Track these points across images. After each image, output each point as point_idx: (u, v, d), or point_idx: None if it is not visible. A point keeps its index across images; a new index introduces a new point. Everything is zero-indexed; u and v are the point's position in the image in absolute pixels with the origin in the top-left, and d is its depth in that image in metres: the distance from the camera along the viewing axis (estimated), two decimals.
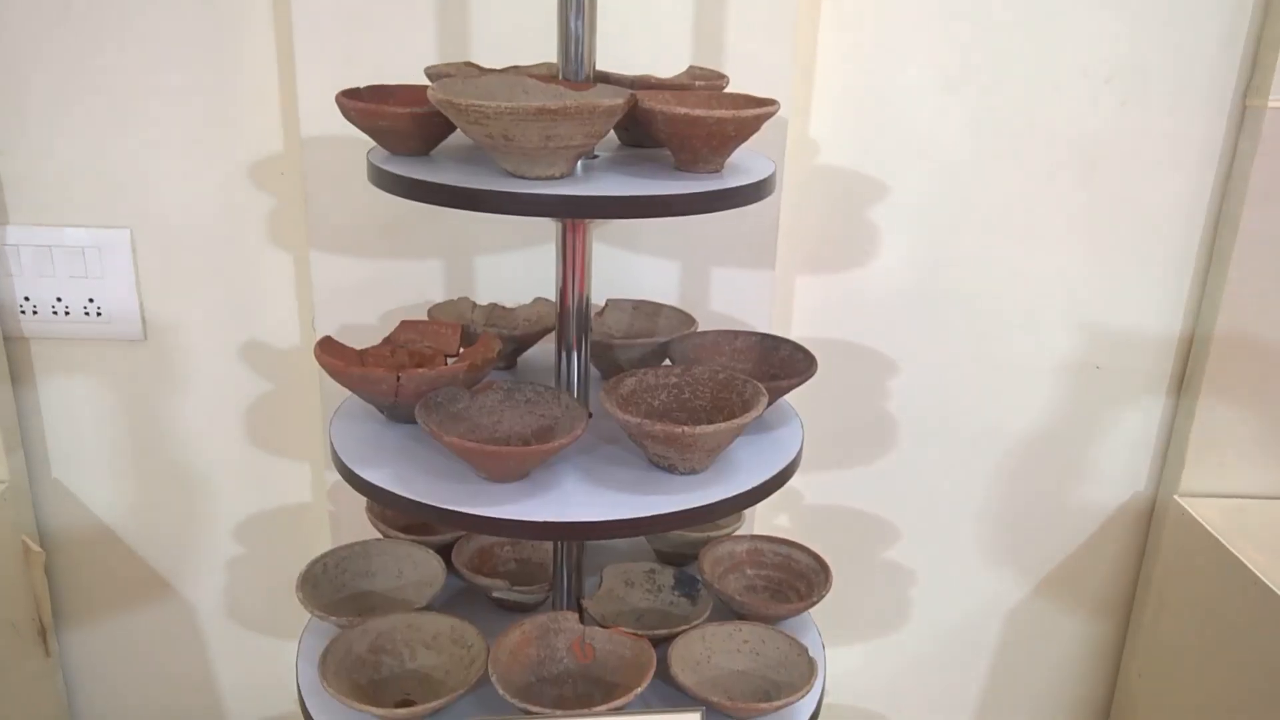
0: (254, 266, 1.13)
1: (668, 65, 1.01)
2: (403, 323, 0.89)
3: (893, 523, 1.29)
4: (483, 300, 1.09)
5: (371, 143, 0.77)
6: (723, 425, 0.72)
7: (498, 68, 0.87)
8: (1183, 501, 1.22)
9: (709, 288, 1.11)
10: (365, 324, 1.09)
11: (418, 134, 0.73)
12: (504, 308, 1.00)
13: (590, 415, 0.86)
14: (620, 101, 0.67)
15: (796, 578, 0.97)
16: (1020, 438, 1.24)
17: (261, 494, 1.22)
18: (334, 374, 0.78)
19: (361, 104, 0.72)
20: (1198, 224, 1.15)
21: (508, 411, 0.79)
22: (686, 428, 0.71)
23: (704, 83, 0.81)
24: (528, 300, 1.05)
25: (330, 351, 0.81)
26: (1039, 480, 1.26)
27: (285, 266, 1.13)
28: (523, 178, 0.70)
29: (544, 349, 0.97)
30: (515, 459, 0.72)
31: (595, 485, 0.75)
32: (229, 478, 1.21)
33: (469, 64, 0.87)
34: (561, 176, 0.70)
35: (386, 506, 0.74)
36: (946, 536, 1.29)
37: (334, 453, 0.79)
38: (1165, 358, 1.22)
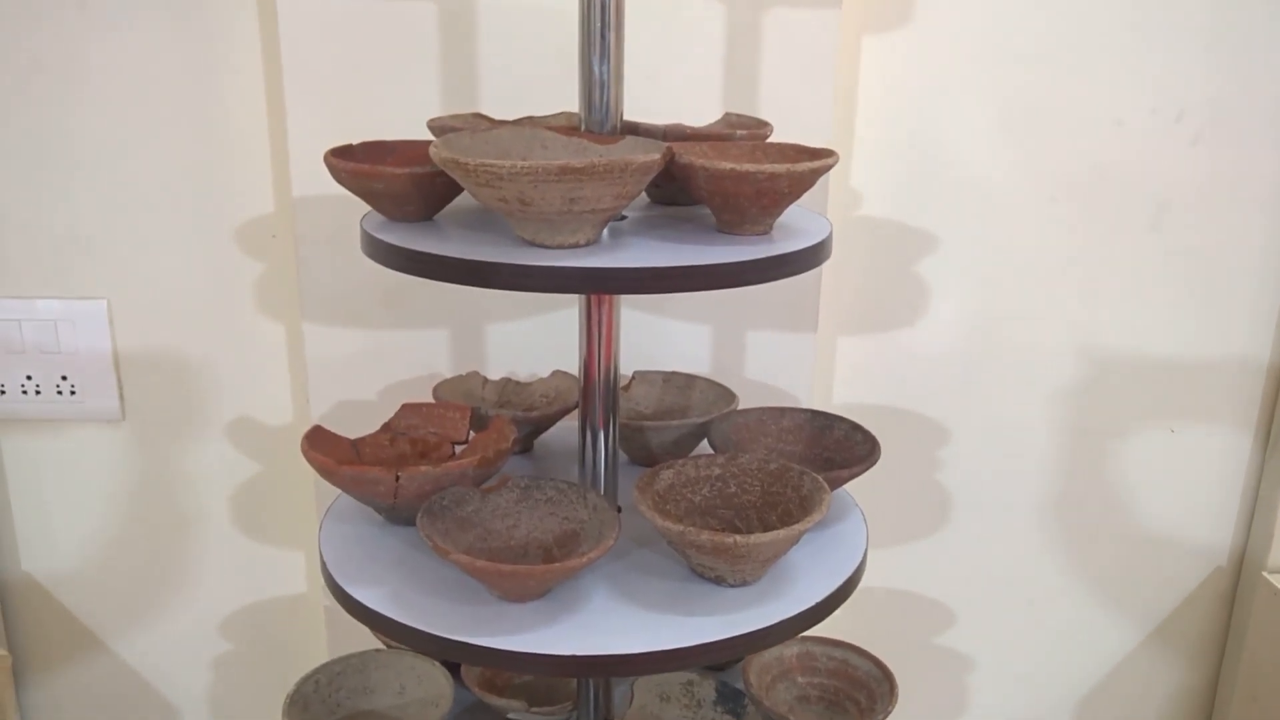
0: (242, 338, 1.03)
1: (698, 112, 0.91)
2: (404, 406, 0.78)
3: (946, 605, 1.17)
4: (495, 373, 0.98)
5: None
6: (780, 533, 0.61)
7: (510, 119, 0.77)
8: (1273, 579, 1.10)
9: (745, 353, 1.01)
10: (364, 400, 0.98)
11: (418, 197, 0.63)
12: (519, 382, 0.90)
13: (619, 509, 0.75)
14: (655, 157, 0.56)
15: (855, 687, 0.85)
16: (1085, 510, 1.13)
17: (251, 585, 1.11)
18: (324, 473, 0.67)
19: (353, 164, 0.61)
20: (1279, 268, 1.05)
21: (525, 513, 0.68)
22: (739, 537, 0.60)
23: (745, 132, 0.71)
24: (545, 373, 0.95)
25: (319, 445, 0.70)
26: (1107, 557, 1.15)
27: (276, 337, 1.03)
28: (542, 246, 0.59)
29: (565, 428, 0.86)
30: (535, 579, 0.61)
31: (628, 603, 0.63)
32: (216, 568, 1.10)
33: (477, 115, 0.77)
34: (587, 244, 0.60)
35: (383, 633, 0.62)
36: (1006, 620, 1.17)
37: (324, 566, 0.67)
38: (1248, 419, 1.10)
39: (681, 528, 0.61)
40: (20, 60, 0.93)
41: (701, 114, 0.91)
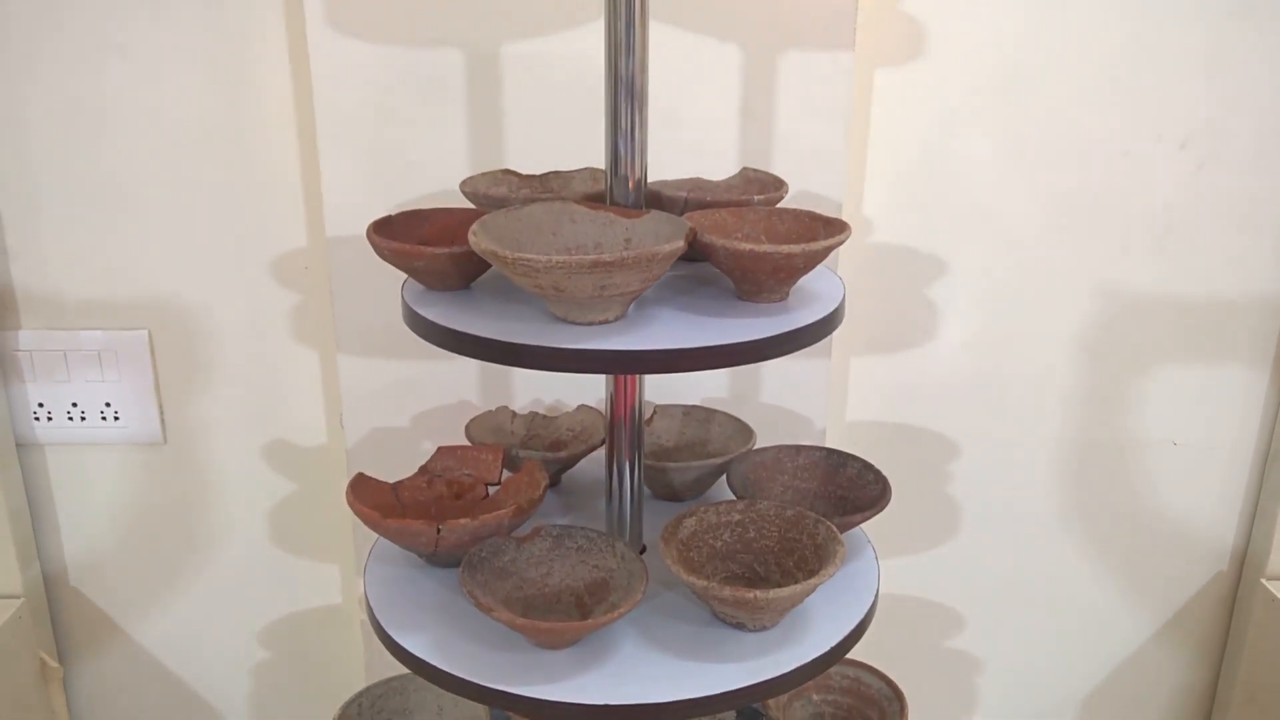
0: (278, 364, 1.07)
1: (717, 150, 0.95)
2: (440, 449, 0.83)
3: (955, 609, 1.22)
4: (521, 397, 1.03)
5: None
6: (797, 588, 0.65)
7: (537, 174, 0.81)
8: (1271, 585, 1.14)
9: (760, 378, 1.04)
10: (397, 427, 1.03)
11: (456, 273, 0.67)
12: (546, 416, 0.94)
13: (644, 548, 0.80)
14: (679, 244, 0.60)
15: (868, 704, 0.90)
16: (1091, 519, 1.17)
17: (289, 597, 1.16)
18: (369, 524, 0.72)
19: (395, 245, 0.65)
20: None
21: (557, 561, 0.72)
22: (758, 593, 0.64)
23: (762, 196, 0.74)
24: (570, 398, 0.99)
25: (363, 495, 0.74)
26: (1112, 564, 1.19)
27: (310, 363, 1.07)
28: (573, 323, 0.63)
29: (592, 459, 0.91)
30: (570, 633, 0.65)
31: (656, 650, 0.68)
32: (255, 581, 1.15)
33: (506, 171, 0.80)
34: (615, 319, 0.64)
35: (425, 678, 0.67)
36: (1015, 623, 1.22)
37: (369, 610, 0.72)
38: (1248, 433, 1.14)
39: (705, 583, 0.65)
40: (63, 104, 0.96)
41: (720, 152, 0.95)
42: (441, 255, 0.65)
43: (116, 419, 1.07)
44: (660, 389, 0.98)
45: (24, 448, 1.08)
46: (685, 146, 0.93)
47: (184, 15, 0.94)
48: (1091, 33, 0.98)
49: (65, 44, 0.95)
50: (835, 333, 1.03)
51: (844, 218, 0.98)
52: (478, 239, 0.60)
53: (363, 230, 0.70)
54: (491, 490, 0.81)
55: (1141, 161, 1.03)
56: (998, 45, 0.99)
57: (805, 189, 0.96)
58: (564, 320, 0.63)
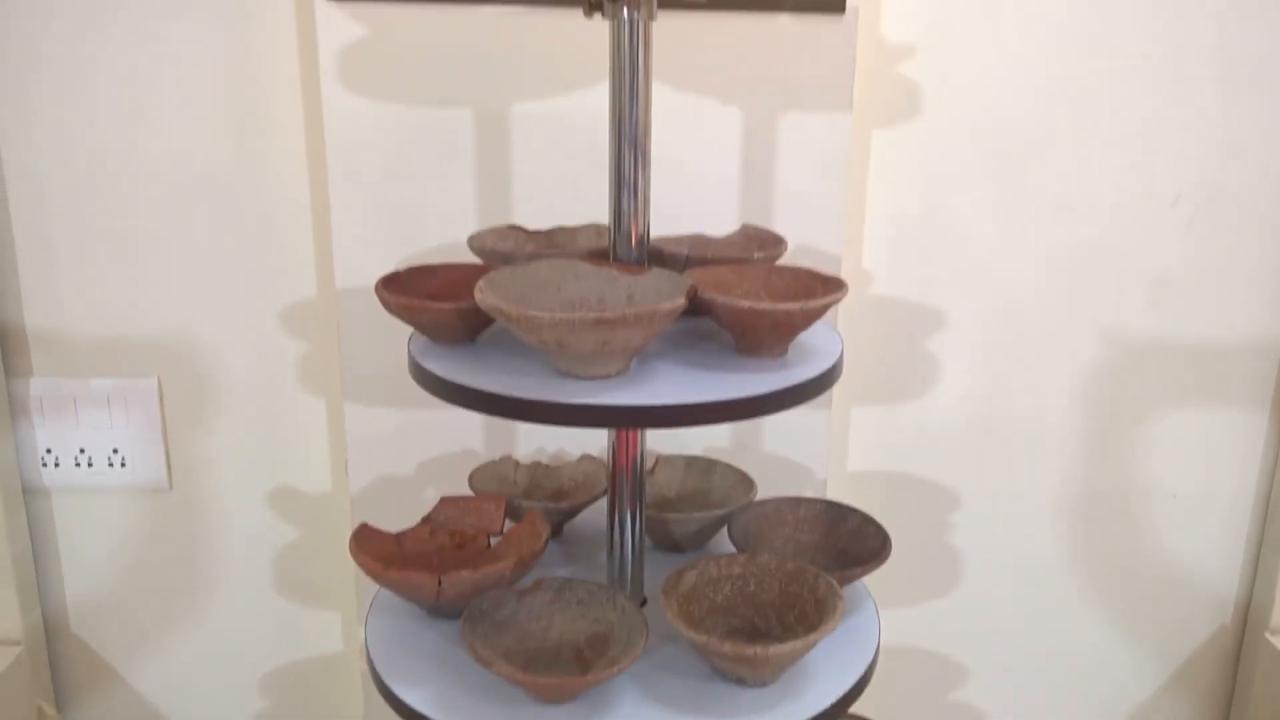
0: (285, 411, 1.08)
1: (718, 207, 0.97)
2: (443, 499, 0.84)
3: (960, 662, 1.21)
4: (525, 445, 1.04)
5: None
6: (798, 643, 0.65)
7: (543, 230, 0.82)
8: (1275, 640, 1.13)
9: (762, 428, 1.05)
10: (401, 474, 1.04)
11: (462, 326, 0.68)
12: (548, 466, 0.94)
13: (645, 600, 0.80)
14: (680, 302, 0.61)
15: None
16: (1093, 570, 1.17)
17: (290, 644, 1.16)
18: (372, 575, 0.72)
19: (403, 299, 0.67)
20: (1275, 346, 1.09)
21: (558, 614, 0.73)
22: (758, 648, 0.65)
23: (762, 253, 0.75)
24: (573, 446, 1.00)
25: (366, 546, 0.75)
26: (1115, 616, 1.19)
27: (317, 410, 1.08)
28: (576, 377, 0.64)
29: (594, 509, 0.91)
30: (570, 688, 0.65)
31: (656, 705, 0.68)
32: (256, 628, 1.15)
33: (513, 227, 0.82)
34: (617, 374, 0.65)
35: None
36: (1018, 675, 1.21)
37: (370, 663, 0.73)
38: (1247, 483, 1.14)
39: (706, 638, 0.66)
40: (82, 156, 0.99)
41: (722, 208, 0.97)
42: (448, 310, 0.66)
43: (123, 465, 1.08)
44: (663, 438, 0.99)
45: (30, 493, 1.09)
46: (688, 203, 0.95)
47: (200, 72, 0.97)
48: (1083, 94, 1.01)
49: (85, 100, 0.97)
50: (836, 383, 1.05)
51: (843, 271, 1.01)
52: (484, 295, 0.62)
53: (371, 281, 0.72)
54: (494, 540, 0.82)
55: (1133, 218, 1.05)
56: (991, 106, 1.01)
57: (805, 243, 0.98)
58: (567, 374, 0.65)
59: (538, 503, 0.85)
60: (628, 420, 0.62)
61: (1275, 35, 0.99)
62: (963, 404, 1.11)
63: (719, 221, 0.95)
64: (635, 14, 0.65)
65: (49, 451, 1.08)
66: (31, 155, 0.99)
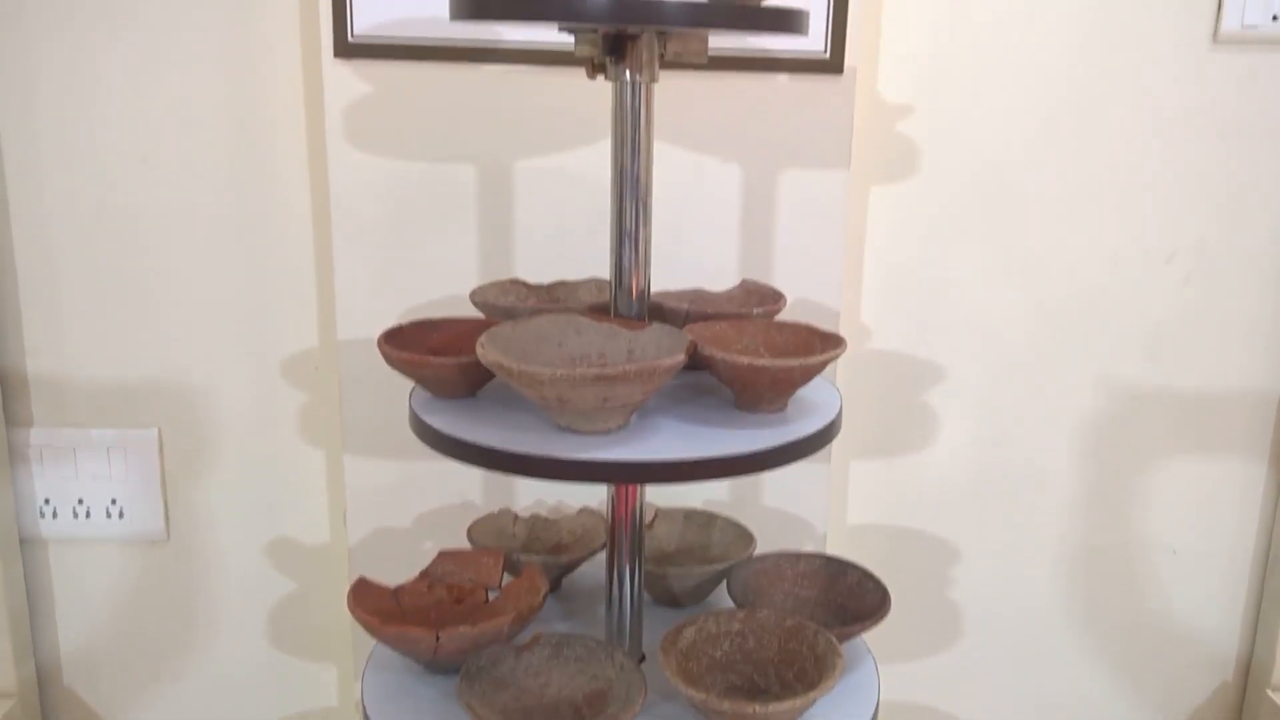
0: (284, 462, 1.08)
1: (719, 263, 0.98)
2: (441, 553, 0.83)
3: (961, 717, 1.20)
4: (524, 501, 1.04)
5: None
6: (797, 701, 0.65)
7: (544, 284, 0.83)
8: (1276, 697, 1.12)
9: (761, 481, 1.05)
10: (401, 526, 1.03)
11: (463, 381, 0.69)
12: (547, 519, 0.94)
13: (644, 657, 0.80)
14: (680, 358, 0.62)
15: None
16: (1094, 625, 1.16)
17: (285, 699, 1.15)
18: (369, 630, 0.72)
19: (405, 355, 0.67)
20: (1271, 401, 1.09)
21: (556, 671, 0.72)
22: (757, 707, 0.64)
23: (761, 309, 0.76)
24: (573, 504, 1.00)
25: (364, 601, 0.75)
26: (1116, 672, 1.18)
27: (316, 462, 1.08)
28: (576, 432, 0.65)
29: (593, 562, 0.91)
30: None
31: None
32: (251, 682, 1.14)
33: (515, 281, 0.83)
34: (617, 428, 0.65)
35: None
36: None
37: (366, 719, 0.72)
38: (1246, 540, 1.14)
39: (704, 695, 0.65)
40: (89, 207, 1.00)
41: (721, 263, 0.98)
42: (450, 365, 0.67)
43: (121, 516, 1.08)
44: (662, 490, 0.99)
45: (27, 543, 1.09)
46: (688, 258, 0.96)
47: (208, 125, 0.98)
48: (1078, 152, 1.03)
49: (93, 150, 0.99)
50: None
51: (842, 325, 1.02)
52: (485, 351, 0.62)
53: (373, 333, 0.72)
54: (492, 595, 0.81)
55: (1130, 274, 1.06)
56: (987, 162, 1.03)
57: (805, 297, 0.99)
58: (568, 429, 0.65)
59: (536, 557, 0.85)
60: (628, 476, 0.63)
61: (1266, 95, 1.01)
62: (962, 457, 1.11)
63: (719, 276, 0.96)
64: (637, 76, 0.67)
65: (47, 502, 1.07)
66: (39, 203, 1.00)
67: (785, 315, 0.80)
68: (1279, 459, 1.11)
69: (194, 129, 0.99)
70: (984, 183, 1.03)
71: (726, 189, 0.96)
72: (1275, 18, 0.97)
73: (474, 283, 0.95)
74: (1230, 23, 0.98)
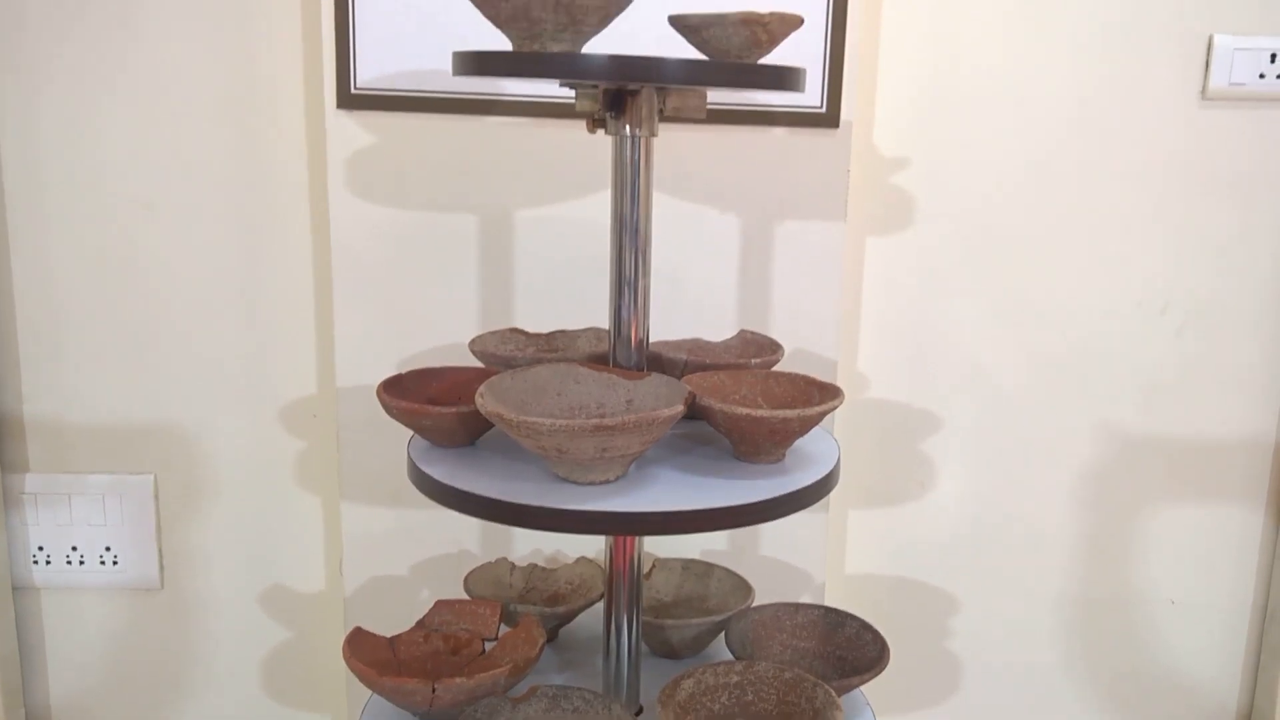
0: (281, 510, 1.08)
1: (717, 311, 0.98)
2: (438, 603, 0.83)
3: None
4: (522, 550, 1.03)
5: None
6: None
7: (543, 333, 0.84)
8: None
9: (759, 530, 1.05)
10: (397, 575, 1.03)
11: (462, 430, 0.69)
12: (545, 569, 0.94)
13: (641, 710, 0.79)
14: (679, 409, 0.62)
15: None
16: (1092, 677, 1.15)
17: None
18: (365, 682, 0.72)
19: (405, 404, 0.68)
20: (1265, 449, 1.09)
21: None
22: None
23: (759, 360, 0.77)
24: (571, 553, 0.99)
25: (360, 651, 0.74)
26: None
27: (313, 509, 1.08)
28: (575, 483, 0.65)
29: (590, 612, 0.90)
30: None
31: None
32: None
33: (514, 330, 0.83)
34: (616, 479, 0.65)
35: None
36: None
37: None
38: (1244, 590, 1.14)
39: None
40: (92, 254, 1.01)
41: (720, 313, 0.98)
42: (449, 415, 0.67)
43: (115, 563, 1.08)
44: (660, 539, 0.99)
45: (20, 590, 1.08)
46: (686, 306, 0.97)
47: (211, 173, 0.99)
48: (1072, 203, 1.04)
49: (96, 197, 1.00)
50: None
51: (839, 374, 1.02)
52: (485, 401, 0.63)
53: (371, 380, 0.73)
54: (489, 646, 0.81)
55: (1124, 325, 1.07)
56: (983, 213, 1.04)
57: (802, 346, 1.00)
58: (566, 480, 0.65)
59: (533, 607, 0.84)
60: (625, 528, 0.63)
61: (1253, 150, 1.03)
62: (959, 506, 1.11)
63: (717, 325, 0.96)
64: (637, 131, 0.68)
65: (40, 549, 1.07)
66: (41, 249, 1.01)
67: (783, 364, 0.81)
68: (1275, 507, 1.11)
69: (197, 177, 1.00)
70: (979, 233, 1.04)
71: (725, 239, 0.97)
72: (1261, 76, 0.99)
73: (474, 330, 0.96)
74: (1218, 80, 1.00)
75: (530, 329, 0.84)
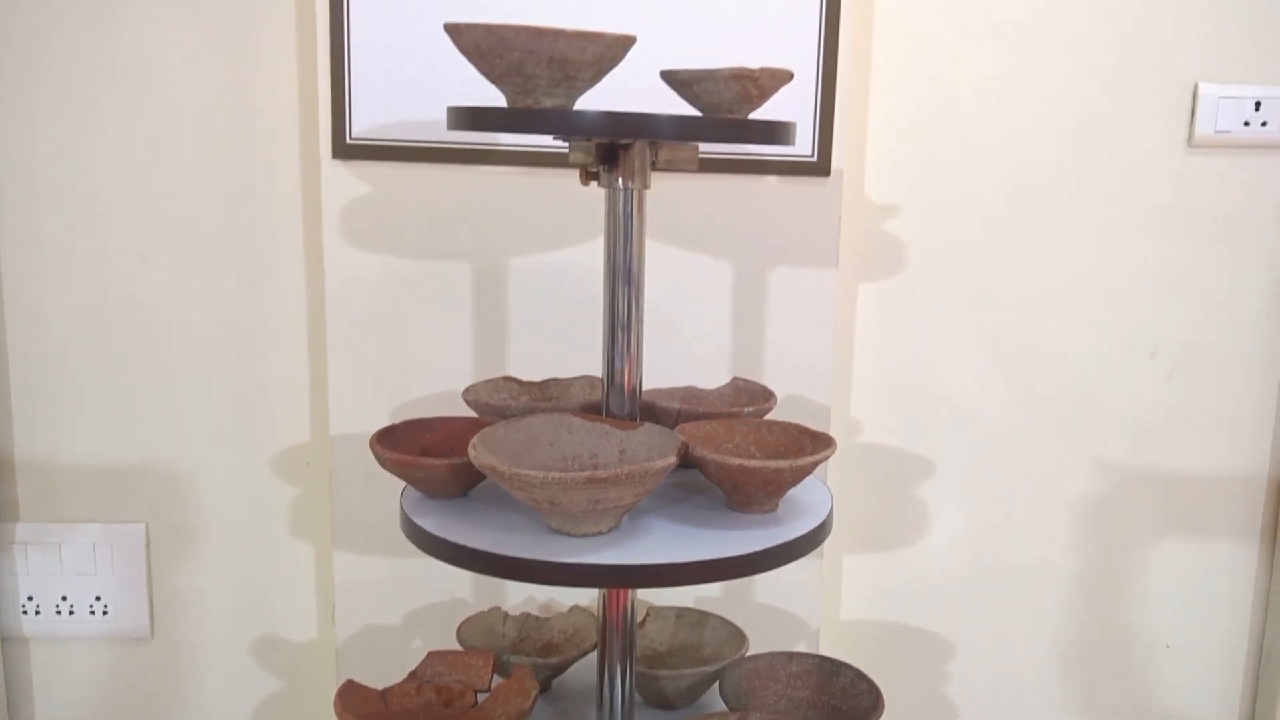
0: (273, 558, 1.07)
1: (708, 351, 0.99)
2: (430, 654, 0.82)
3: None
4: (515, 599, 1.02)
5: None
6: None
7: (537, 381, 0.84)
8: None
9: (754, 578, 1.04)
10: (389, 624, 1.02)
11: (455, 481, 0.69)
12: (538, 618, 0.93)
13: None
14: (671, 460, 0.62)
15: None
16: (1091, 718, 1.14)
17: None
18: None
19: (397, 455, 0.68)
20: (1256, 491, 1.10)
21: None
22: None
23: (752, 408, 0.77)
24: (565, 602, 0.99)
25: (351, 704, 0.74)
26: None
27: (305, 558, 1.07)
28: (567, 534, 0.65)
29: (584, 662, 0.90)
30: None
31: None
32: None
33: (508, 379, 0.83)
34: (609, 530, 0.65)
35: None
36: None
37: None
38: (1240, 631, 1.13)
39: None
40: (87, 301, 1.01)
41: (713, 360, 0.99)
42: (442, 467, 0.67)
43: (105, 613, 1.07)
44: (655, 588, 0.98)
45: (8, 641, 1.07)
46: (680, 353, 0.97)
47: (206, 222, 1.00)
48: (1061, 248, 1.05)
49: (91, 246, 1.00)
50: None
51: (832, 419, 1.02)
52: (477, 453, 0.62)
53: (365, 428, 0.72)
54: (481, 697, 0.80)
55: (1115, 368, 1.07)
56: (973, 259, 1.05)
57: (795, 392, 1.00)
58: (559, 531, 0.65)
59: (526, 658, 0.84)
60: (618, 580, 0.62)
61: (1239, 196, 1.04)
62: (953, 550, 1.11)
63: (710, 373, 0.97)
64: (630, 183, 0.68)
65: (30, 599, 1.06)
66: (36, 297, 1.01)
67: (777, 409, 0.81)
68: (1268, 546, 1.11)
69: (192, 226, 1.00)
70: (970, 279, 1.05)
71: (718, 286, 0.98)
72: (1246, 123, 1.00)
73: (468, 377, 0.97)
74: (1204, 127, 1.01)
75: (524, 376, 0.84)
